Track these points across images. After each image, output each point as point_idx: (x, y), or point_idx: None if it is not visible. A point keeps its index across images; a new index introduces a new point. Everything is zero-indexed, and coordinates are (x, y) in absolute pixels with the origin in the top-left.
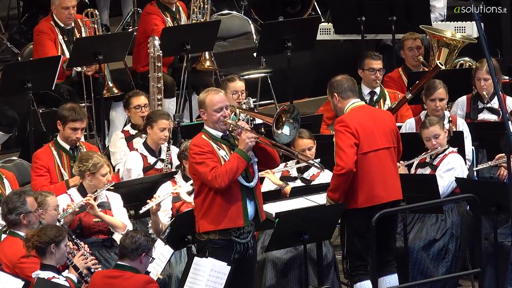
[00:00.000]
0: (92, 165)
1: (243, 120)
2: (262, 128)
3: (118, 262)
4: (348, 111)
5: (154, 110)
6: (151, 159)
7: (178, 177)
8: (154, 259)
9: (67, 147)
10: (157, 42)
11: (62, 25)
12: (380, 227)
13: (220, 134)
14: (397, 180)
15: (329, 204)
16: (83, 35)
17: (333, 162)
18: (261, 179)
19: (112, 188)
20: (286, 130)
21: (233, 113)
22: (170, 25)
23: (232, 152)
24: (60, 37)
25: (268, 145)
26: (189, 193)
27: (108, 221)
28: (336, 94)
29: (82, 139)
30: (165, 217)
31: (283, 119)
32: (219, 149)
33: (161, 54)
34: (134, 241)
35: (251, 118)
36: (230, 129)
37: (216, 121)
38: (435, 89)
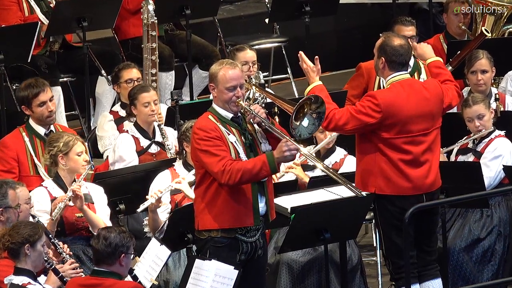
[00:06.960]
0: (63, 144)
1: (258, 102)
2: (276, 108)
3: (95, 268)
4: (387, 87)
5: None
6: (144, 142)
7: (178, 164)
8: (136, 255)
9: (42, 131)
10: (151, 7)
11: None
12: (418, 223)
13: (230, 115)
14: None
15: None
16: None
17: None
18: None
19: (92, 172)
20: (305, 122)
21: (248, 91)
22: None
23: (243, 138)
24: None
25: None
26: (192, 184)
27: (90, 218)
28: (384, 59)
29: (65, 124)
30: (163, 213)
31: (305, 110)
32: (229, 134)
33: (156, 21)
34: (108, 244)
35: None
36: (242, 111)
37: (227, 100)
38: (476, 59)
